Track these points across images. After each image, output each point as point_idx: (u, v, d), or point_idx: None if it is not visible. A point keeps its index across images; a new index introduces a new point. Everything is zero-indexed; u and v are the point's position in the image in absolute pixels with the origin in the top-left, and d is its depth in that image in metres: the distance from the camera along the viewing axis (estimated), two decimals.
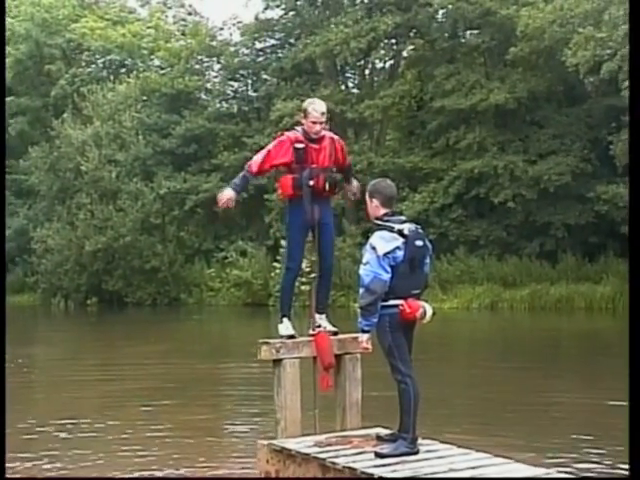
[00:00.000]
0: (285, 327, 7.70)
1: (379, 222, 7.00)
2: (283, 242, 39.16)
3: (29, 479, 7.28)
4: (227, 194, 7.76)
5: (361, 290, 6.85)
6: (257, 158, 7.87)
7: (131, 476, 7.97)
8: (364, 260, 6.89)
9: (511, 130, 35.94)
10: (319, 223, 7.75)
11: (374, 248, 6.85)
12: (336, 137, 7.96)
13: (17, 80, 53.81)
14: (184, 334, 29.02)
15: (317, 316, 7.82)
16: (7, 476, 5.61)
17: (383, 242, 6.85)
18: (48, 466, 9.29)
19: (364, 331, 6.90)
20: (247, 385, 15.31)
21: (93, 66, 53.76)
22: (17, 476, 7.13)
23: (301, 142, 7.69)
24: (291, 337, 7.60)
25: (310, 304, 8.00)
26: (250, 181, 8.11)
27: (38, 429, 11.66)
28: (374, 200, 7.08)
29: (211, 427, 11.56)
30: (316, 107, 7.72)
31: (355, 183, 8.18)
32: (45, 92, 52.93)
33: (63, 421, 12.06)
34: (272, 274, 38.06)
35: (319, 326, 7.71)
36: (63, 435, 11.18)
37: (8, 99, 54.62)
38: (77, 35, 52.77)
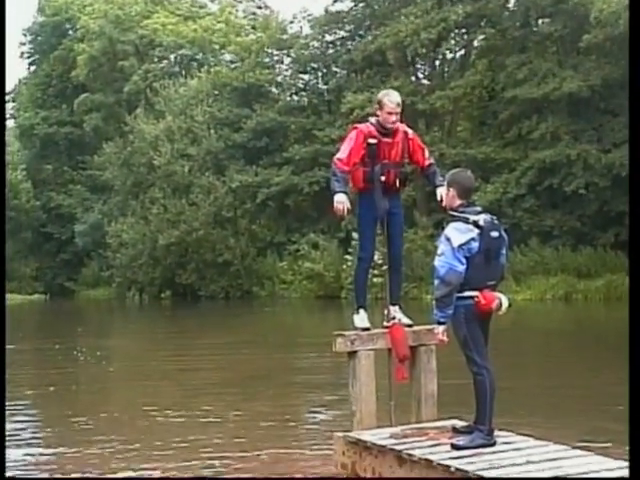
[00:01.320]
0: (360, 319, 7.71)
1: (454, 213, 6.96)
2: (355, 234, 39.23)
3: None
4: (343, 200, 7.48)
5: (436, 282, 6.83)
6: (343, 156, 7.61)
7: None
8: (439, 251, 6.86)
9: (585, 119, 35.44)
10: (388, 214, 7.75)
11: (449, 239, 6.82)
12: (411, 132, 7.91)
13: (91, 77, 54.76)
14: (257, 326, 29.21)
15: (391, 308, 7.82)
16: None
17: (458, 233, 6.81)
18: (128, 454, 9.45)
19: (440, 323, 6.87)
20: (321, 376, 15.35)
21: (165, 61, 54.38)
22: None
23: (374, 137, 7.66)
24: (366, 329, 7.61)
25: (384, 296, 8.00)
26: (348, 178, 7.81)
27: (119, 417, 11.86)
28: (451, 190, 7.04)
29: (286, 417, 11.61)
30: (391, 98, 7.68)
31: (440, 191, 7.54)
32: (118, 88, 53.73)
33: (143, 409, 12.25)
34: (344, 266, 38.10)
35: (393, 318, 7.71)
36: (143, 423, 11.35)
37: (83, 96, 55.55)
38: (149, 31, 53.45)
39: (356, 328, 7.63)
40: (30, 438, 10.89)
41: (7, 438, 10.46)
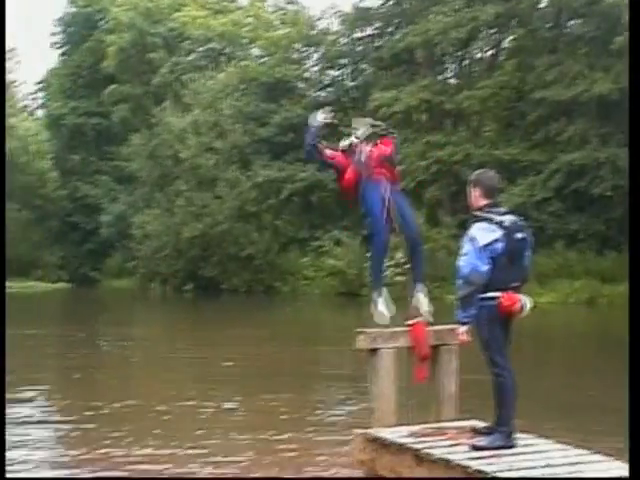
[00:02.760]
0: (382, 304, 7.62)
1: (479, 213, 6.91)
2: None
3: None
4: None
5: (459, 282, 6.79)
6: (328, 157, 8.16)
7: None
8: (463, 251, 6.82)
9: (614, 122, 35.16)
10: (390, 196, 7.68)
11: (473, 239, 6.77)
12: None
13: (120, 68, 54.96)
14: (278, 321, 29.25)
15: (417, 287, 7.70)
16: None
17: (483, 233, 6.76)
18: (143, 443, 9.47)
19: (462, 323, 6.84)
20: (340, 371, 15.34)
21: (194, 54, 54.47)
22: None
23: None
24: (383, 316, 7.55)
25: (406, 294, 7.96)
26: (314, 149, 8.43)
27: (137, 406, 11.90)
28: (476, 190, 6.99)
29: (304, 411, 11.61)
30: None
31: None
32: (147, 80, 53.90)
33: (162, 399, 12.28)
34: (366, 264, 38.04)
35: (416, 292, 7.62)
36: (160, 412, 11.38)
37: (111, 87, 55.75)
38: (179, 24, 53.56)
39: (378, 313, 7.57)
40: (43, 422, 11.00)
41: (23, 419, 10.58)
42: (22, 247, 59.06)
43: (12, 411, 11.31)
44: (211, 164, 46.09)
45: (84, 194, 59.57)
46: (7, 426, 9.87)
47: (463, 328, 6.84)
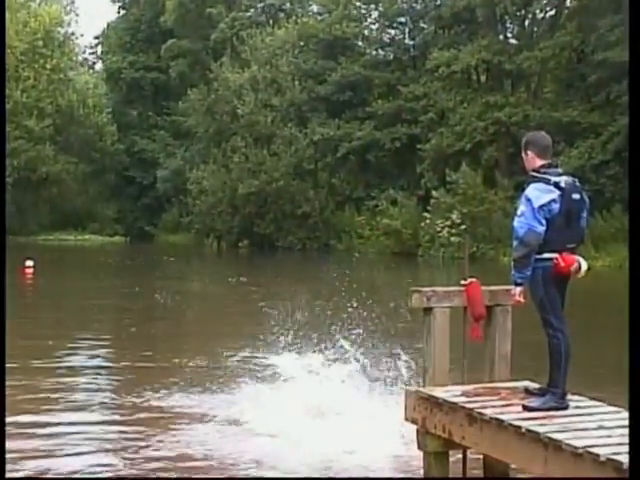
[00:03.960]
0: None
1: (535, 174, 6.88)
2: (434, 192, 39.09)
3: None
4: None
5: (515, 242, 6.78)
6: None
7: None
8: (518, 212, 6.79)
9: None
10: None
11: (529, 200, 6.74)
12: None
13: (179, 23, 54.97)
14: (333, 278, 29.31)
15: None
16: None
17: (538, 194, 6.73)
18: (194, 393, 9.68)
19: (517, 284, 6.84)
20: (393, 329, 15.39)
21: (253, 10, 54.31)
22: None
23: None
24: None
25: (461, 255, 7.97)
26: None
27: (191, 359, 12.11)
28: (529, 152, 6.96)
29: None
30: None
31: None
32: (205, 35, 53.88)
33: (217, 354, 12.50)
34: (422, 224, 38.01)
35: None
36: (212, 366, 11.60)
37: (170, 41, 55.82)
38: None
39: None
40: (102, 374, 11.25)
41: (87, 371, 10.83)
42: (79, 200, 59.74)
43: (72, 359, 11.62)
44: (268, 121, 46.15)
45: (141, 148, 59.99)
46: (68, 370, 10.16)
47: (518, 289, 6.84)
